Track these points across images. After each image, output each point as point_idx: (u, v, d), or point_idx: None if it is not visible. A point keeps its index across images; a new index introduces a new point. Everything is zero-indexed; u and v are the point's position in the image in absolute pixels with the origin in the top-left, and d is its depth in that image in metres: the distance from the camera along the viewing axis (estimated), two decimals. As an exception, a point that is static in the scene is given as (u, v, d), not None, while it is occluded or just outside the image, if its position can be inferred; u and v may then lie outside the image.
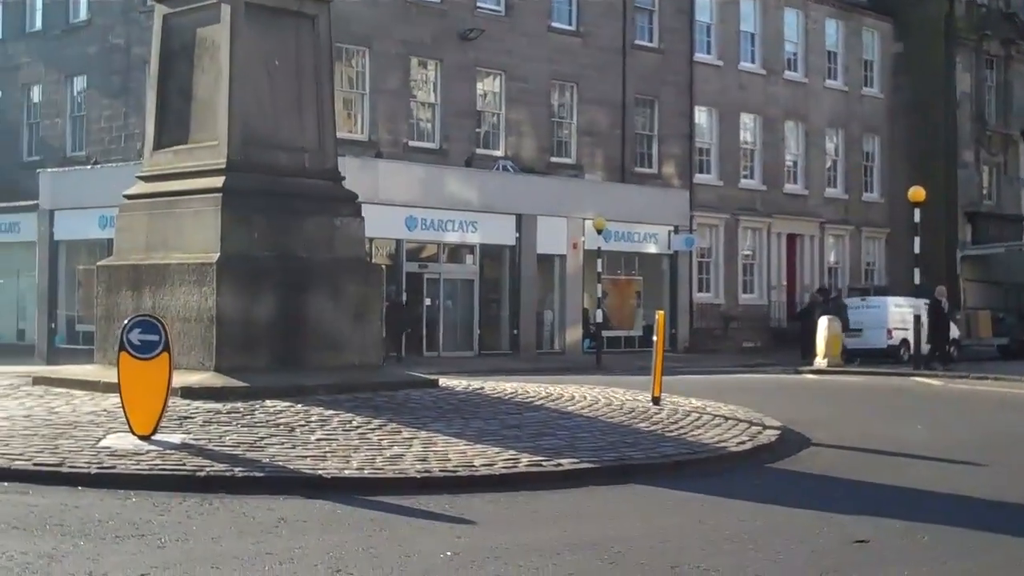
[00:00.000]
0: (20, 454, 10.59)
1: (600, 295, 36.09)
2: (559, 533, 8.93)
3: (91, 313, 33.08)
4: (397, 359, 31.65)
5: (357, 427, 12.36)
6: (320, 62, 16.03)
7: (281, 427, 12.16)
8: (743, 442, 13.23)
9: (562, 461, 11.30)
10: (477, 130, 37.40)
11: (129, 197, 16.19)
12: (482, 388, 16.88)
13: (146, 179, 16.09)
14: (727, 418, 14.95)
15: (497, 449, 11.62)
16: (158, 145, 15.97)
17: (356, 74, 34.90)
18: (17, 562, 7.41)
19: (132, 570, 7.36)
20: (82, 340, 34.33)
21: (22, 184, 37.53)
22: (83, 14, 38.34)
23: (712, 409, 15.77)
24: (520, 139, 38.24)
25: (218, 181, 14.88)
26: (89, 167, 36.08)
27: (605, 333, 36.43)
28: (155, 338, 11.26)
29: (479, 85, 37.57)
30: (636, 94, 41.27)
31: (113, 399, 12.62)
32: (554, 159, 39.08)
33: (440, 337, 35.43)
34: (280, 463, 10.61)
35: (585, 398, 16.24)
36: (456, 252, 36.56)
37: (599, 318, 35.86)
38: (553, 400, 15.80)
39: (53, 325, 36.52)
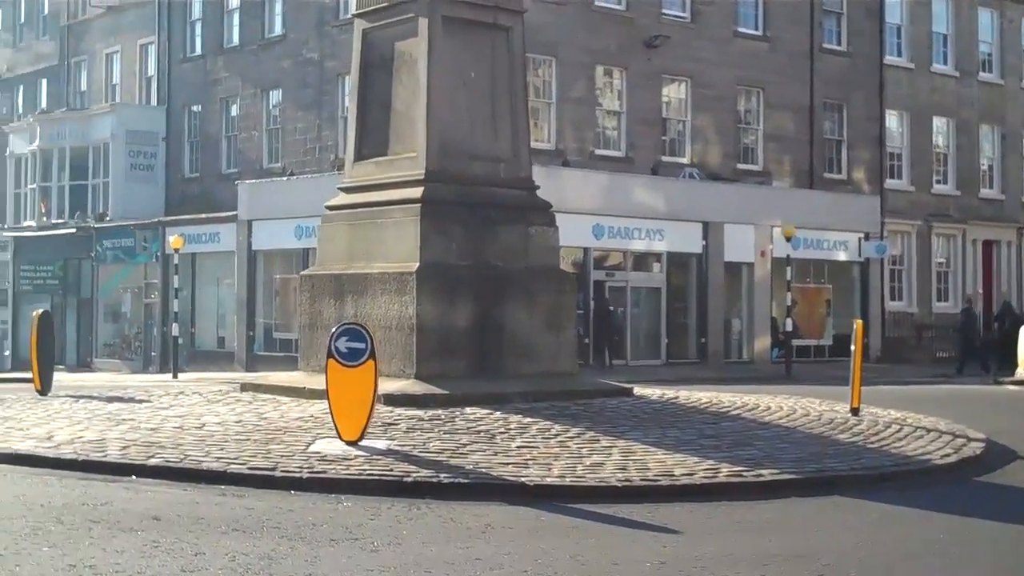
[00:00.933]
0: (235, 458, 10.98)
1: (789, 303, 35.60)
2: (765, 544, 8.87)
3: (288, 321, 34.33)
4: (602, 366, 32.03)
5: (556, 435, 12.47)
6: (514, 73, 16.22)
7: (482, 434, 12.35)
8: (947, 455, 12.92)
9: (763, 472, 11.20)
10: (663, 137, 37.31)
11: (331, 208, 16.63)
12: (676, 397, 16.83)
13: (347, 190, 16.50)
14: (929, 430, 14.61)
15: (696, 459, 11.59)
16: (359, 157, 16.38)
17: (542, 83, 35.15)
18: (240, 563, 7.69)
19: (349, 573, 7.58)
20: (279, 347, 35.41)
21: (222, 195, 38.83)
22: (278, 29, 39.46)
23: (912, 421, 15.43)
24: (706, 146, 38.01)
25: (417, 192, 15.18)
26: (285, 179, 37.12)
27: (794, 342, 35.92)
28: (361, 346, 11.56)
29: (664, 92, 37.47)
30: (824, 98, 40.62)
31: (319, 405, 12.99)
32: (740, 166, 38.71)
33: (628, 345, 35.43)
34: (483, 470, 10.77)
35: (781, 408, 16.06)
36: (643, 260, 36.50)
37: (789, 327, 35.37)
38: (749, 410, 15.67)
39: (251, 333, 37.66)
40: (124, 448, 11.43)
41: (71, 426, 12.88)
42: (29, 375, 17.71)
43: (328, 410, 11.75)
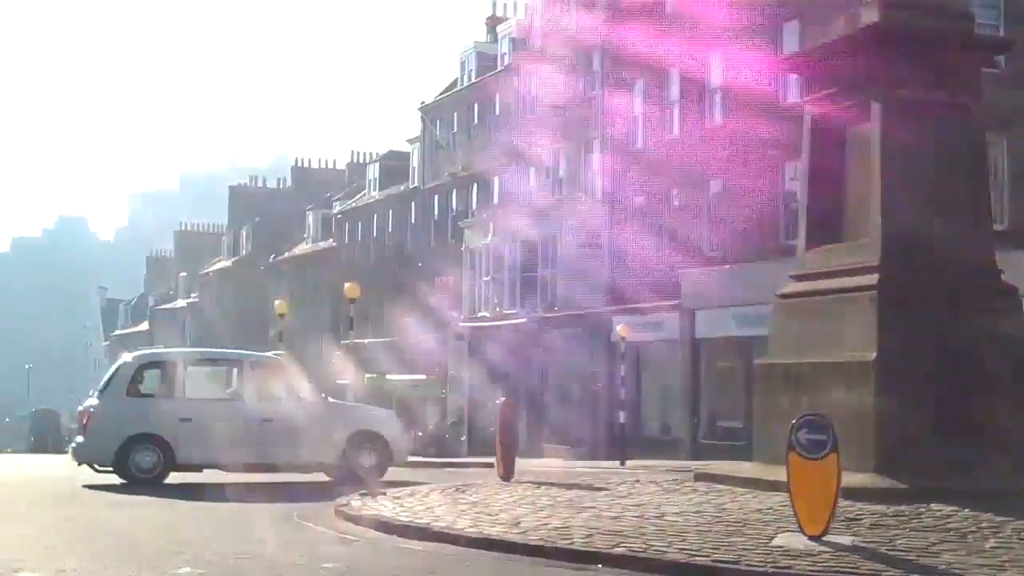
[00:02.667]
0: (697, 550, 10.95)
1: None
2: None
3: (733, 409, 34.25)
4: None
5: (1034, 535, 11.68)
6: (973, 153, 15.60)
7: (951, 532, 11.75)
8: None
9: None
10: None
11: (782, 296, 16.49)
12: None
13: (798, 278, 16.32)
14: None
15: None
16: (810, 243, 16.19)
17: (992, 161, 33.53)
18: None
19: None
20: (725, 436, 35.29)
21: (664, 284, 39.35)
22: (718, 119, 39.76)
23: None
24: None
25: (872, 279, 14.79)
26: (727, 267, 37.20)
27: None
28: (823, 438, 11.30)
29: None
30: None
31: (777, 497, 12.79)
32: None
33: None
34: (957, 571, 10.22)
35: None
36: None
37: None
38: None
39: (696, 420, 37.81)
40: (588, 536, 11.65)
41: (536, 512, 13.29)
42: (485, 460, 18.47)
43: (788, 503, 11.54)
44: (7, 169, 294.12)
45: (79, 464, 21.64)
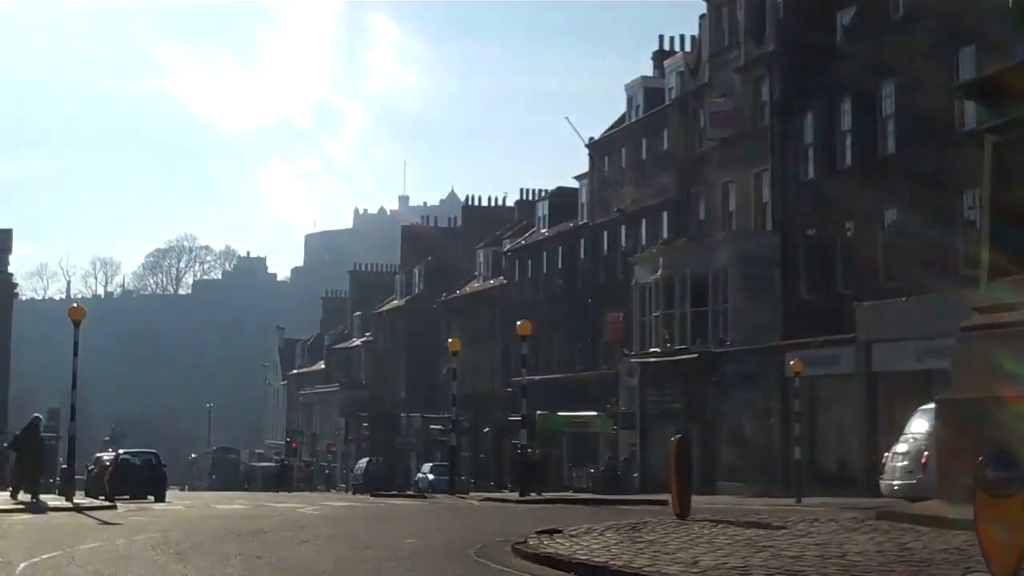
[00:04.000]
0: (883, 590, 10.73)
1: None
2: None
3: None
4: None
5: None
6: None
7: None
8: None
9: None
10: None
11: (965, 329, 16.08)
12: None
13: (982, 310, 15.91)
14: None
15: None
16: (992, 275, 15.77)
17: None
18: None
19: None
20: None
21: (839, 317, 38.65)
22: (891, 147, 39.03)
23: None
24: None
25: (1059, 310, 14.35)
26: (903, 299, 36.38)
27: None
28: (1011, 475, 10.96)
29: None
30: None
31: (962, 536, 12.45)
32: None
33: None
34: None
35: None
36: None
37: None
38: None
39: (873, 457, 36.95)
40: (768, 576, 11.50)
41: (714, 551, 13.17)
42: (658, 497, 18.36)
43: (975, 542, 11.22)
44: (189, 213, 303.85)
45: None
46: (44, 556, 14.89)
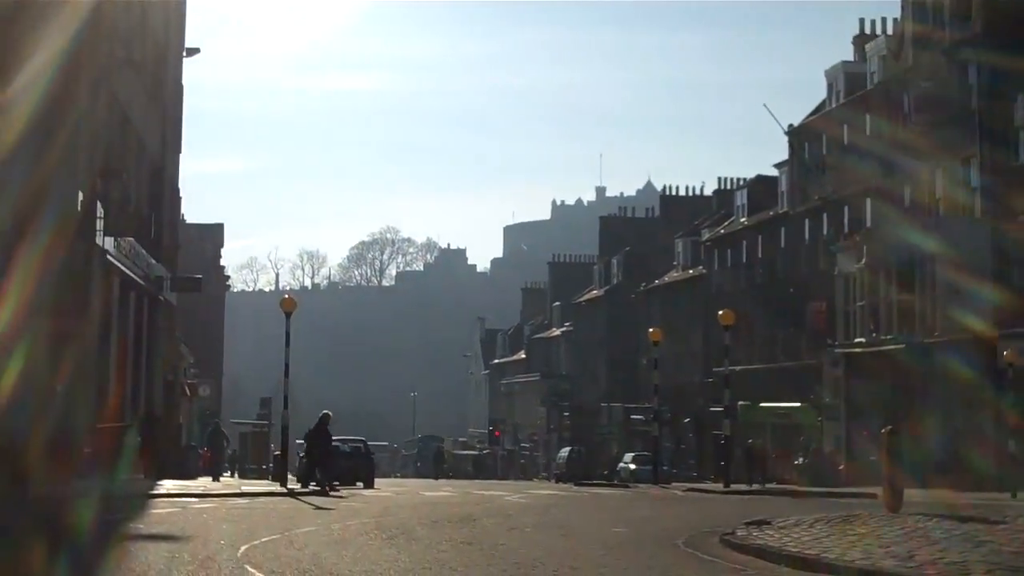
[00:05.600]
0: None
1: None
2: None
3: None
4: None
5: None
6: None
7: None
8: None
9: None
10: None
11: None
12: None
13: None
14: None
15: None
16: None
17: None
18: None
19: None
20: None
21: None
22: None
23: None
24: None
25: None
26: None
27: None
28: None
29: None
30: None
31: None
32: None
33: None
34: None
35: None
36: None
37: None
38: None
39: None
40: (989, 572, 11.21)
41: (929, 545, 12.93)
42: (866, 490, 18.06)
43: None
44: (392, 206, 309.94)
45: None
46: (264, 539, 15.47)
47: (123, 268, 33.34)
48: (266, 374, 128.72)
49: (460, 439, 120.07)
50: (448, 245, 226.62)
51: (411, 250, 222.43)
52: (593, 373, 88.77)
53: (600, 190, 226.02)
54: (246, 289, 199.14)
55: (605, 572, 12.32)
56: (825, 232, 56.59)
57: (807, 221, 58.95)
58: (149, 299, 38.89)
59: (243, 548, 14.12)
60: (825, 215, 56.95)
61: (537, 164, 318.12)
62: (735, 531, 15.05)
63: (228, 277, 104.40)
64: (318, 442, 34.34)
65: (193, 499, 25.07)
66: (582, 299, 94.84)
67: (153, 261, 38.65)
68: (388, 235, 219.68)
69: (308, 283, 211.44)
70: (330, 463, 34.87)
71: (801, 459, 50.82)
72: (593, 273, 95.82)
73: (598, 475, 62.39)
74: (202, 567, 12.12)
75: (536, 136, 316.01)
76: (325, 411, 35.93)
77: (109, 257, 31.21)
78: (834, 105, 57.46)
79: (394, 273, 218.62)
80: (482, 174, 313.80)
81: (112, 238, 31.17)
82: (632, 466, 60.19)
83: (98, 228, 29.87)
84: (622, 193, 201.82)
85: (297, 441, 42.38)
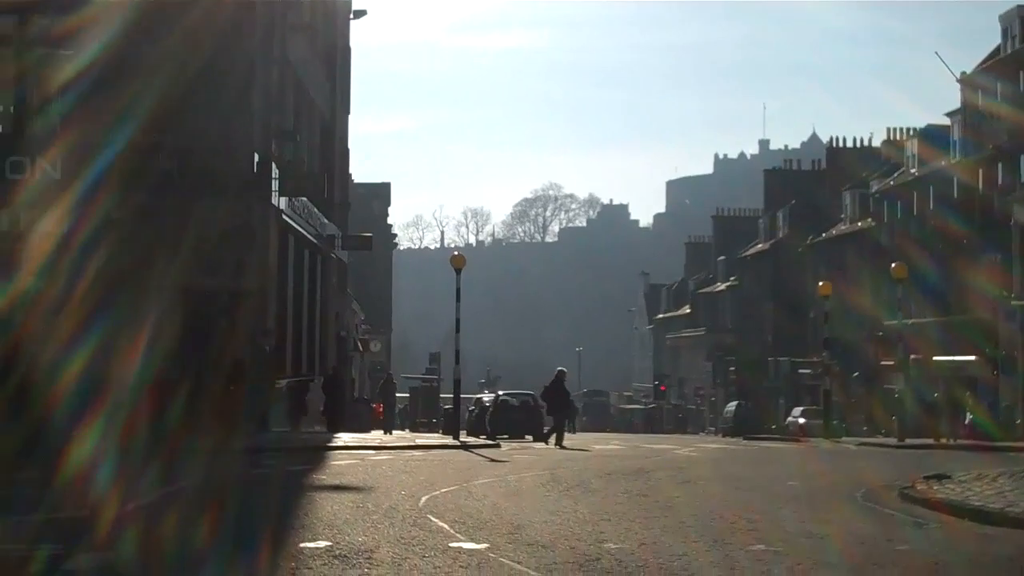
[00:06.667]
0: None
1: None
2: None
3: None
4: None
5: None
6: None
7: None
8: None
9: None
10: None
11: None
12: None
13: None
14: None
15: None
16: None
17: None
18: None
19: None
20: None
21: None
22: None
23: None
24: None
25: None
26: None
27: None
28: None
29: None
30: None
31: None
32: None
33: None
34: None
35: None
36: None
37: None
38: None
39: None
40: None
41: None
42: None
43: None
44: (554, 163, 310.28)
45: None
46: (443, 490, 15.84)
47: (297, 227, 34.20)
48: (432, 330, 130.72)
49: (625, 393, 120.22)
50: (610, 201, 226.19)
51: (573, 206, 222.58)
52: (759, 327, 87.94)
53: (763, 143, 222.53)
54: (412, 247, 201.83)
55: (784, 525, 12.34)
56: (999, 182, 54.97)
57: (980, 171, 57.30)
58: (322, 257, 39.82)
59: (424, 499, 14.48)
60: (999, 164, 55.30)
61: (698, 118, 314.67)
62: (914, 485, 14.90)
63: (395, 235, 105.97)
64: (555, 399, 35.14)
65: (370, 451, 25.70)
66: (747, 253, 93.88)
67: (325, 220, 39.52)
68: (550, 192, 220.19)
69: (472, 240, 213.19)
70: (563, 419, 35.80)
71: (974, 415, 49.71)
72: (758, 227, 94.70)
73: (766, 429, 61.92)
74: (386, 516, 12.48)
75: (697, 90, 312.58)
76: (560, 368, 36.82)
77: (284, 217, 32.04)
78: (1009, 51, 55.63)
79: (557, 229, 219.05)
80: (643, 129, 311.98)
81: (286, 198, 31.99)
82: (801, 420, 59.58)
83: (273, 188, 30.68)
84: (786, 146, 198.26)
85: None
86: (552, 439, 34.15)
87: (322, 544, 10.25)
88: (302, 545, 10.22)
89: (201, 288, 28.19)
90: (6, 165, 28.46)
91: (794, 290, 78.88)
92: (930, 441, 38.32)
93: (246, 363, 27.13)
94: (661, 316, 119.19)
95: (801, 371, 71.72)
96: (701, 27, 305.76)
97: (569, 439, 37.36)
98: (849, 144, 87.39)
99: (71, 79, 29.11)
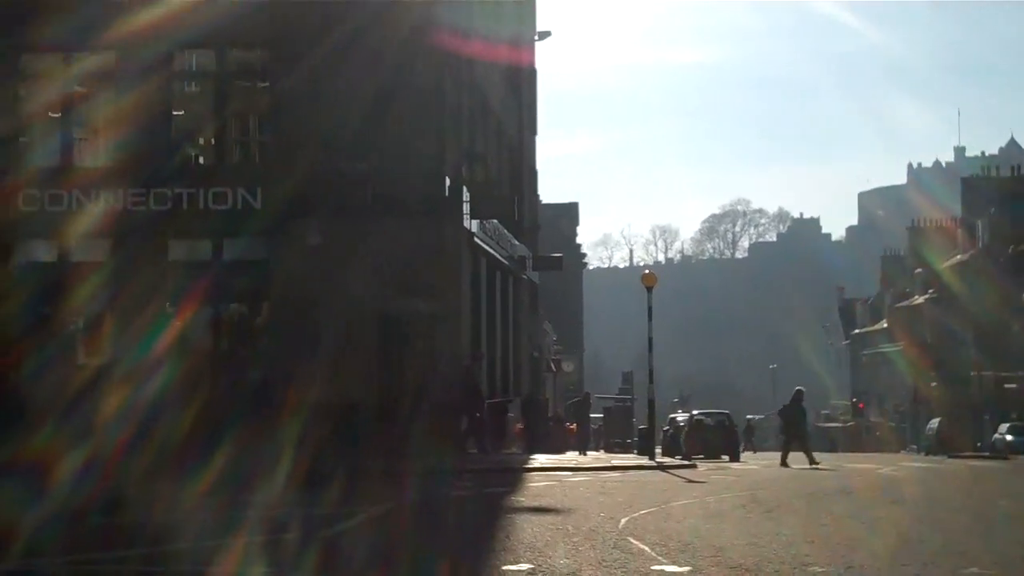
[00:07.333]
0: None
1: None
2: None
3: None
4: None
5: None
6: None
7: None
8: None
9: None
10: None
11: None
12: None
13: None
14: None
15: None
16: None
17: None
18: None
19: None
20: None
21: None
22: None
23: None
24: None
25: None
26: None
27: None
28: None
29: None
30: None
31: None
32: None
33: None
34: None
35: None
36: None
37: None
38: None
39: None
40: None
41: None
42: None
43: None
44: (741, 179, 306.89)
45: None
46: (642, 511, 15.69)
47: (489, 249, 34.50)
48: (624, 349, 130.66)
49: (822, 411, 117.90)
50: (800, 215, 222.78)
51: (763, 221, 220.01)
52: (960, 340, 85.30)
53: (959, 150, 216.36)
54: (601, 266, 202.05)
55: (998, 547, 11.86)
56: None
57: None
58: (513, 279, 40.08)
59: (623, 520, 14.36)
60: None
61: (889, 127, 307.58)
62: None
63: (584, 255, 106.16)
64: (792, 417, 35.48)
65: (566, 472, 25.68)
66: (946, 264, 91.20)
67: (515, 241, 39.79)
68: (739, 207, 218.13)
69: (661, 258, 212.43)
70: (805, 436, 36.30)
71: None
72: (957, 237, 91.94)
73: (971, 447, 59.95)
74: (587, 539, 12.40)
75: (886, 99, 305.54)
76: (798, 387, 36.68)
77: (476, 239, 32.35)
78: None
79: (747, 245, 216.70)
80: (830, 141, 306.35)
81: (477, 220, 32.29)
82: (1008, 437, 57.47)
83: (464, 211, 31.01)
84: (983, 152, 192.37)
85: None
86: (798, 458, 33.81)
87: (524, 567, 10.23)
88: (505, 568, 10.21)
89: (396, 311, 28.66)
90: (208, 195, 29.46)
91: (997, 301, 76.35)
92: None
93: (452, 386, 27.50)
94: (857, 331, 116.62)
95: (1007, 386, 69.32)
96: (885, 35, 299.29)
97: (763, 459, 36.78)
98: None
99: (268, 109, 30.05)
